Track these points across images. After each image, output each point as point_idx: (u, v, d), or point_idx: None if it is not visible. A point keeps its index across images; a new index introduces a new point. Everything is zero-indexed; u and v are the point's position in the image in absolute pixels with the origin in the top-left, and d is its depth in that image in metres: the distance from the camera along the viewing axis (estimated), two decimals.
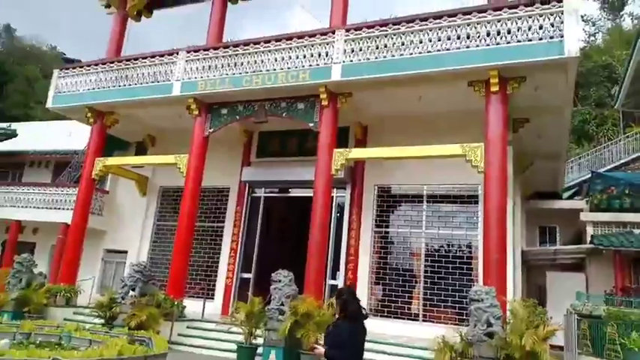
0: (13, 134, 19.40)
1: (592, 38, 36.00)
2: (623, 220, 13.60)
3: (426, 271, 10.66)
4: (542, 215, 15.73)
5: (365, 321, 3.66)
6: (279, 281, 8.76)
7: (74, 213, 13.13)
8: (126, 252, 14.64)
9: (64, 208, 15.35)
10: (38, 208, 15.89)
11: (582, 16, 37.88)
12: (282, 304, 8.53)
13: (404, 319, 10.60)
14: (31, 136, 20.43)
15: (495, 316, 6.70)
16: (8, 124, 21.41)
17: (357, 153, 10.44)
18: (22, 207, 16.18)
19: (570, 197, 17.37)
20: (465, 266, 10.30)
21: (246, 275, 12.72)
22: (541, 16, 8.19)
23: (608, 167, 16.70)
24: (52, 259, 15.88)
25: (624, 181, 13.89)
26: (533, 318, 6.57)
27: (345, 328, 3.58)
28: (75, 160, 17.48)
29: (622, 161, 16.62)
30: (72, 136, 18.71)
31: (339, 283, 11.33)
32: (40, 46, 53.76)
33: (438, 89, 9.62)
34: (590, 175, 15.54)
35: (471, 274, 10.20)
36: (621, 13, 36.48)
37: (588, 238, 13.20)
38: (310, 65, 10.28)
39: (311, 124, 10.52)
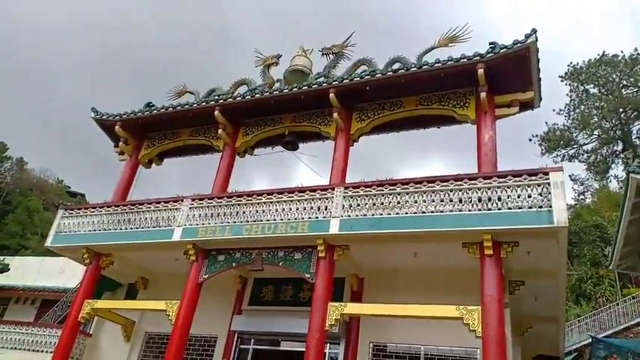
0: (4, 269, 19.21)
1: (581, 197, 37.67)
2: None
3: None
4: None
5: None
6: None
7: (54, 358, 12.37)
8: None
9: (43, 351, 14.55)
10: (16, 349, 15.05)
11: (570, 176, 40.41)
12: None
13: None
14: (24, 271, 20.19)
15: None
16: (2, 257, 21.30)
17: (352, 308, 10.23)
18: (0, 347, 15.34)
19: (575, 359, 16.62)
20: None
21: None
22: (529, 186, 8.73)
23: (610, 332, 16.24)
24: None
25: (626, 349, 13.38)
26: None
27: None
28: (63, 299, 17.02)
29: (622, 326, 16.21)
30: (64, 272, 18.51)
31: None
32: (46, 179, 55.72)
33: (433, 247, 9.81)
34: (590, 340, 15.03)
35: None
36: (607, 175, 38.73)
37: None
38: (310, 218, 10.61)
39: (307, 275, 10.50)
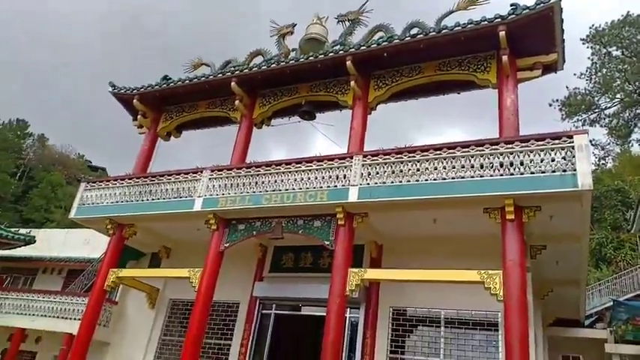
0: (31, 241, 19.75)
1: (602, 162, 37.01)
2: None
3: None
4: (565, 343, 14.99)
5: None
6: None
7: (81, 324, 12.83)
8: None
9: (71, 318, 15.12)
10: (46, 316, 15.65)
11: (591, 141, 39.58)
12: None
13: None
14: (49, 243, 20.75)
15: None
16: (28, 230, 21.89)
17: (372, 274, 10.35)
18: (30, 314, 15.94)
19: (591, 325, 16.65)
20: None
21: None
22: (552, 150, 8.58)
23: (631, 295, 16.20)
24: None
25: None
26: None
27: None
28: (88, 269, 17.51)
29: None
30: (89, 243, 18.97)
31: None
32: (68, 154, 56.59)
33: (453, 213, 9.79)
34: (612, 303, 15.01)
35: None
36: (629, 139, 37.88)
37: None
38: (328, 186, 10.63)
39: (327, 242, 10.60)
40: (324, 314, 9.90)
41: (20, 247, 19.81)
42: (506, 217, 8.72)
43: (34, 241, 19.95)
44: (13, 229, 20.40)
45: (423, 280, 9.53)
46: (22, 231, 20.96)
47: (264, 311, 12.95)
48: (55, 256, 19.73)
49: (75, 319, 14.70)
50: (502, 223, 8.83)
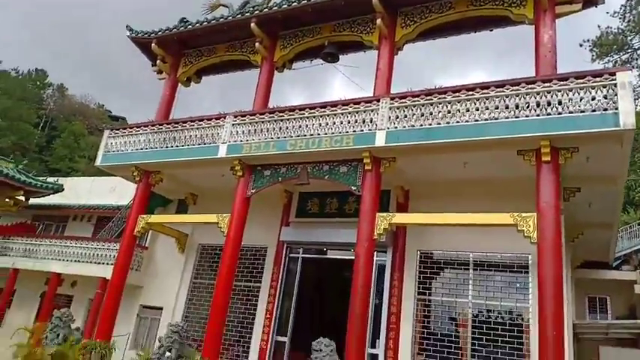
0: (59, 189, 20.16)
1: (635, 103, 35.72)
2: None
3: (473, 343, 10.14)
4: (592, 285, 15.02)
5: None
6: (320, 351, 8.44)
7: (114, 268, 13.28)
8: (161, 308, 14.60)
9: (104, 263, 15.61)
10: (80, 261, 16.20)
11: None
12: None
13: None
14: (77, 191, 21.16)
15: None
16: (56, 178, 22.31)
17: (400, 218, 10.31)
18: (65, 260, 16.52)
19: (617, 267, 16.59)
20: (515, 340, 9.76)
21: (281, 338, 12.40)
22: (593, 88, 8.15)
23: None
24: (88, 312, 15.97)
25: None
26: None
27: None
28: (117, 216, 17.89)
29: None
30: (115, 191, 19.29)
31: (380, 352, 10.90)
32: (88, 104, 56.85)
33: (485, 156, 9.53)
34: None
35: (522, 349, 9.65)
36: None
37: None
38: (354, 131, 10.41)
39: (353, 188, 10.53)
40: (350, 258, 9.99)
41: (49, 195, 20.29)
42: (542, 158, 8.45)
43: (63, 189, 20.40)
44: (41, 178, 20.82)
45: (454, 223, 9.44)
46: (50, 180, 21.38)
47: (291, 255, 13.18)
48: (84, 204, 20.17)
49: (108, 263, 15.18)
50: (537, 165, 8.57)
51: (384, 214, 10.08)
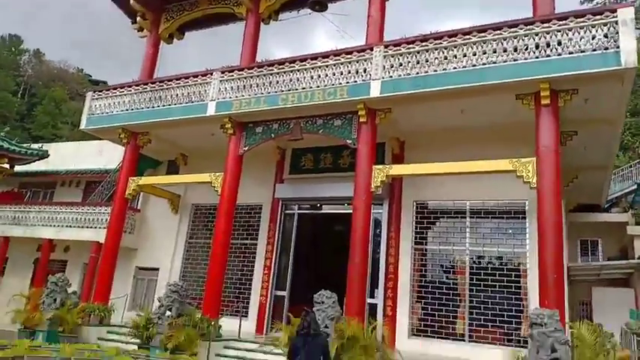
0: (44, 155, 19.67)
1: None
2: None
3: (471, 290, 10.31)
4: (584, 228, 15.22)
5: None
6: (322, 302, 8.49)
7: (107, 232, 13.16)
8: (157, 269, 14.60)
9: (96, 227, 15.42)
10: (71, 226, 15.99)
11: None
12: (327, 327, 8.25)
13: (448, 339, 10.24)
14: (62, 156, 20.69)
15: (560, 341, 6.33)
16: (40, 144, 21.75)
17: (398, 169, 10.20)
18: (56, 226, 16.30)
19: (607, 210, 16.82)
20: (513, 285, 9.93)
21: (280, 293, 12.50)
22: (593, 26, 7.91)
23: None
24: (83, 276, 15.93)
25: None
26: (601, 342, 6.19)
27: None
28: (107, 179, 17.57)
29: None
30: (103, 154, 18.87)
31: (378, 301, 11.05)
32: (67, 68, 55.00)
33: (482, 102, 9.34)
34: (635, 187, 15.02)
35: (519, 293, 9.83)
36: None
37: (636, 253, 12.68)
38: (348, 82, 10.13)
39: (349, 141, 10.34)
40: (345, 212, 9.92)
41: (34, 161, 19.80)
42: (541, 102, 8.31)
43: (48, 155, 19.89)
44: (24, 145, 20.27)
45: (452, 172, 9.37)
46: (34, 146, 20.83)
47: (287, 211, 13.10)
48: (71, 169, 19.74)
49: (100, 227, 14.99)
50: (536, 109, 8.44)
51: (381, 166, 9.97)
